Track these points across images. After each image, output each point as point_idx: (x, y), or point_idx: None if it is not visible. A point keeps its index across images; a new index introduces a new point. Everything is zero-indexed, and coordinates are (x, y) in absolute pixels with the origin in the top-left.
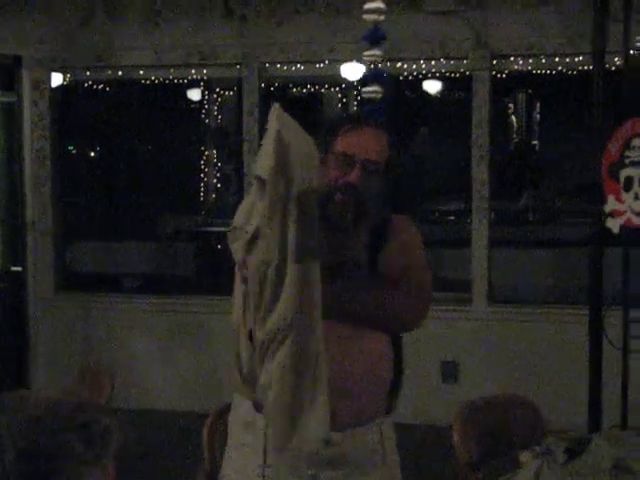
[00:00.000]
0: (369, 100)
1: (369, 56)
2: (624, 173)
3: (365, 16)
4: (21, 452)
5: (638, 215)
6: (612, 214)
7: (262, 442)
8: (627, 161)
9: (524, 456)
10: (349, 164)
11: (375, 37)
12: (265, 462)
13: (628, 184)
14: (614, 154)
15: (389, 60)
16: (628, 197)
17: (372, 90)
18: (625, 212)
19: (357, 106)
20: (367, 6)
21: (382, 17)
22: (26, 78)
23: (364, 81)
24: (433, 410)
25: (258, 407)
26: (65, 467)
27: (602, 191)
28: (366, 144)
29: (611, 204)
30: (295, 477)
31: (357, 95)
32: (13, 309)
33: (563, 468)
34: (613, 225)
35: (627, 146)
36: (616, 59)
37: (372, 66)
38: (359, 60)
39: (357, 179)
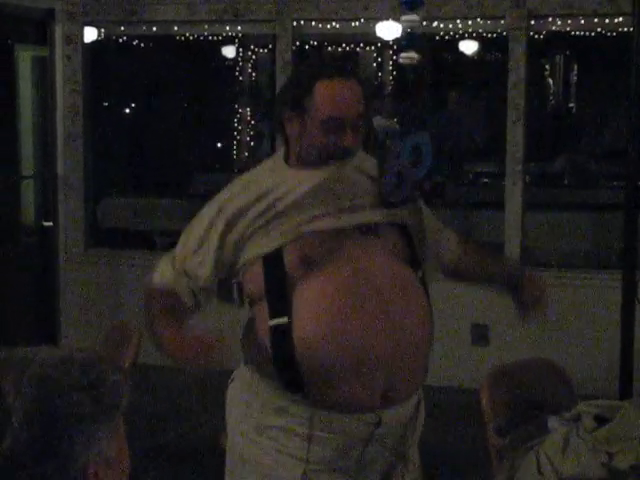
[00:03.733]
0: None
1: (406, 21)
2: None
3: None
4: (29, 413)
5: None
6: None
7: (306, 428)
8: None
9: (552, 422)
10: (339, 127)
11: (414, 2)
12: (309, 447)
13: None
14: None
15: (425, 20)
16: None
17: (408, 56)
18: None
19: (392, 66)
20: None
21: None
22: (59, 32)
23: (400, 46)
24: (463, 373)
25: (293, 388)
26: (75, 428)
27: (638, 154)
28: (350, 100)
29: None
30: (341, 459)
31: (392, 54)
32: (43, 264)
33: (592, 435)
34: None
35: None
36: None
37: (409, 30)
38: (395, 19)
39: (352, 142)
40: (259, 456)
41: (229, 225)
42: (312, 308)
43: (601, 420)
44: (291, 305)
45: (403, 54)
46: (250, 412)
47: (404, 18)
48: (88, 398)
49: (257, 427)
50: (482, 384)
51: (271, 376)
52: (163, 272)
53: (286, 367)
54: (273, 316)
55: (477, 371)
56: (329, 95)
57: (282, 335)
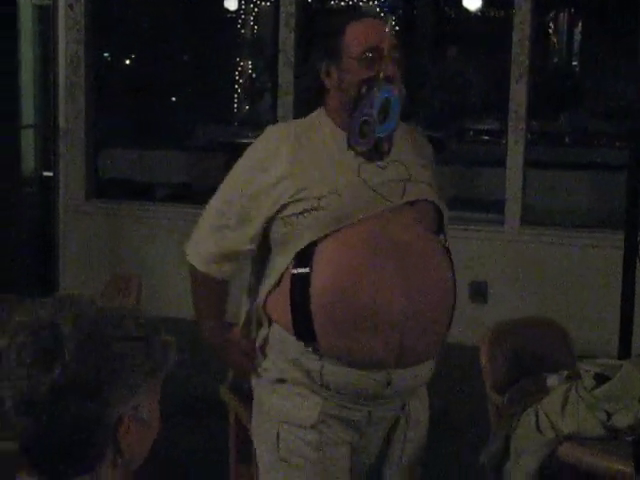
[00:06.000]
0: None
1: None
2: None
3: None
4: (83, 347)
5: None
6: None
7: (317, 381)
8: None
9: (551, 380)
10: (377, 58)
11: None
12: (322, 401)
13: None
14: None
15: None
16: None
17: None
18: None
19: (395, 20)
20: None
21: None
22: None
23: None
24: (461, 329)
25: (305, 339)
26: (122, 374)
27: None
28: (381, 31)
29: None
30: (352, 413)
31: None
32: (43, 214)
33: (591, 393)
34: None
35: None
36: None
37: None
38: None
39: (393, 72)
40: (277, 401)
41: (271, 197)
42: (331, 260)
43: (601, 379)
44: (313, 255)
45: None
46: (267, 364)
47: None
48: (141, 351)
49: (274, 378)
50: (481, 341)
51: (287, 327)
52: (206, 251)
53: (301, 316)
54: (296, 265)
55: (475, 328)
56: (361, 30)
57: (301, 284)
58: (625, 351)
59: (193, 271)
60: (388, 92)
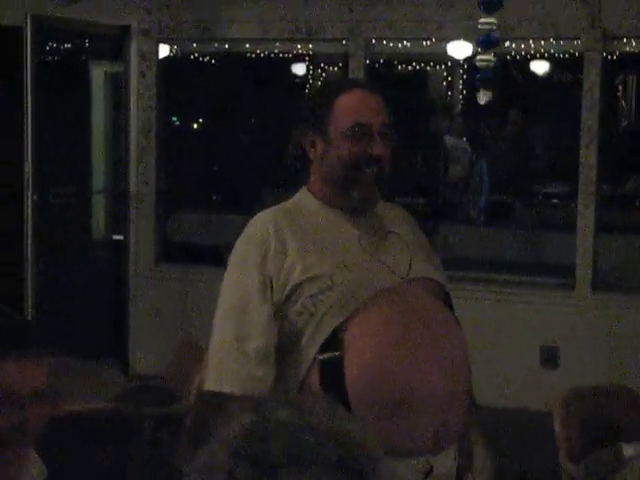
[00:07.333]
0: (481, 68)
1: (484, 24)
2: None
3: None
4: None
5: None
6: None
7: None
8: None
9: (627, 450)
10: (366, 134)
11: (491, 3)
12: None
13: None
14: None
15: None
16: None
17: (485, 59)
18: None
19: (462, 85)
20: None
21: None
22: (134, 49)
23: (477, 48)
24: (531, 395)
25: None
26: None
27: None
28: (373, 106)
29: None
30: None
31: (462, 74)
32: (114, 278)
33: None
34: None
35: None
36: None
37: (488, 35)
38: (467, 39)
39: (382, 151)
40: None
41: (272, 289)
42: (364, 341)
43: None
44: (339, 338)
45: (480, 56)
46: None
47: (482, 20)
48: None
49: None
50: (555, 407)
51: None
52: (232, 375)
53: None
54: (322, 351)
55: (546, 394)
56: (351, 104)
57: (332, 369)
58: None
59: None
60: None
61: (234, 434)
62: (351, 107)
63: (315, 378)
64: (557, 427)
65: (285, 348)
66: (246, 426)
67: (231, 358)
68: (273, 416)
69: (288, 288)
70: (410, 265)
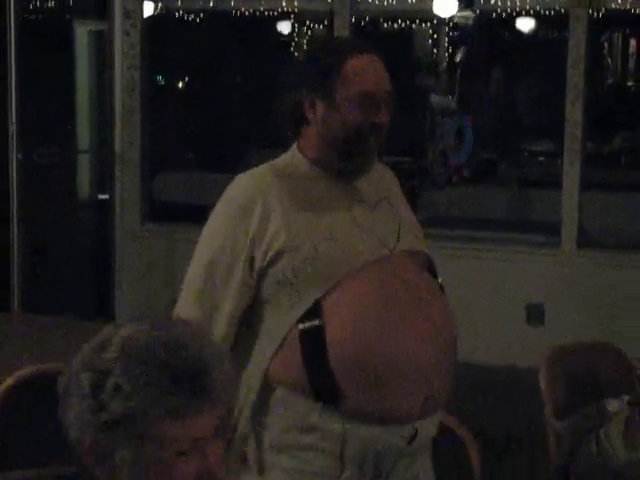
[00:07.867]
0: (460, 25)
1: None
2: None
3: None
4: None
5: None
6: None
7: (338, 447)
8: None
9: (612, 405)
10: (375, 102)
11: None
12: (342, 466)
13: None
14: None
15: None
16: None
17: (464, 15)
18: None
19: (447, 43)
20: None
21: None
22: (118, 7)
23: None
24: (517, 352)
25: (326, 398)
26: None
27: None
28: (383, 74)
29: None
30: (373, 475)
31: (448, 32)
32: (99, 237)
33: None
34: None
35: None
36: None
37: None
38: None
39: (386, 120)
40: (279, 476)
41: (256, 251)
42: (347, 309)
43: None
44: (321, 307)
45: (458, 13)
46: (265, 432)
47: None
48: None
49: (274, 446)
50: (540, 364)
51: (297, 388)
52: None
53: (318, 374)
54: (302, 320)
55: (531, 351)
56: (361, 69)
57: (314, 339)
58: None
59: None
60: (460, 122)
61: None
62: (362, 73)
63: (295, 347)
64: (543, 384)
65: (260, 317)
66: None
67: (195, 314)
68: None
69: (270, 254)
70: (398, 237)
